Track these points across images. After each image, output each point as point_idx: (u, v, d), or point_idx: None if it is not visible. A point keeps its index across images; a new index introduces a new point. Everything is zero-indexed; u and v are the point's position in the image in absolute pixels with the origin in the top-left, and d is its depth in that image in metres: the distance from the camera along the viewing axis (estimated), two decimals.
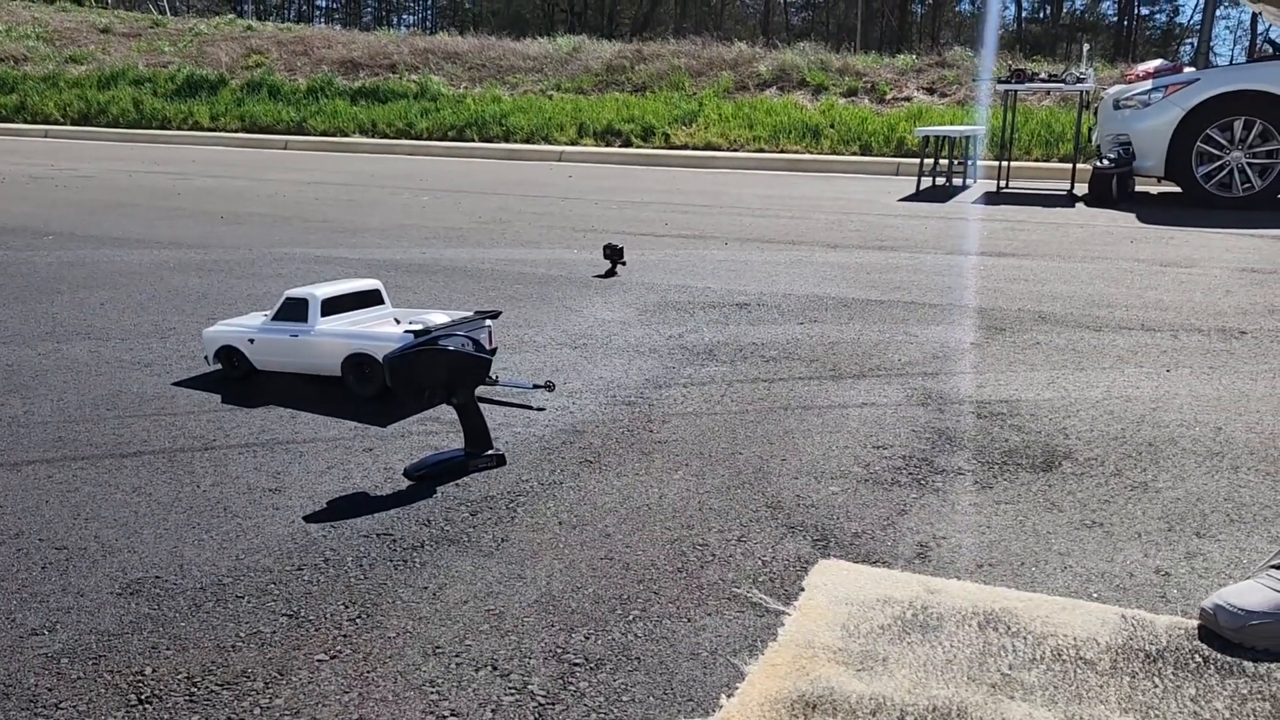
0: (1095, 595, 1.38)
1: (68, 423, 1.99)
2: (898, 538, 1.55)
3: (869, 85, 13.78)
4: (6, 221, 4.98)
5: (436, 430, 2.00)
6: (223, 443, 1.90)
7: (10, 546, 1.44)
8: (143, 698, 1.11)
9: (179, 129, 15.03)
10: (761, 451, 1.92)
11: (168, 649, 1.20)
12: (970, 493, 1.73)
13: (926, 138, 8.47)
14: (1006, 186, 8.55)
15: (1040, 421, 2.13)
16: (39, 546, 1.44)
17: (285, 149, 13.03)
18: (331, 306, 2.30)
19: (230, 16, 23.10)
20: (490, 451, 1.81)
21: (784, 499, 1.71)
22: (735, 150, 11.38)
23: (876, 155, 11.40)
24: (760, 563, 1.46)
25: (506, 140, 13.36)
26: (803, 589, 1.37)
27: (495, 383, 2.22)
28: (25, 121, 15.71)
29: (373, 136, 14.12)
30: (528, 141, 12.74)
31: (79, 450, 1.84)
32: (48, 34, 19.63)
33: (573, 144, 12.48)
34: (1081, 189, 7.82)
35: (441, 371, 1.77)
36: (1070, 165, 8.52)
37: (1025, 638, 1.27)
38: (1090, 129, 8.46)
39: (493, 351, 2.02)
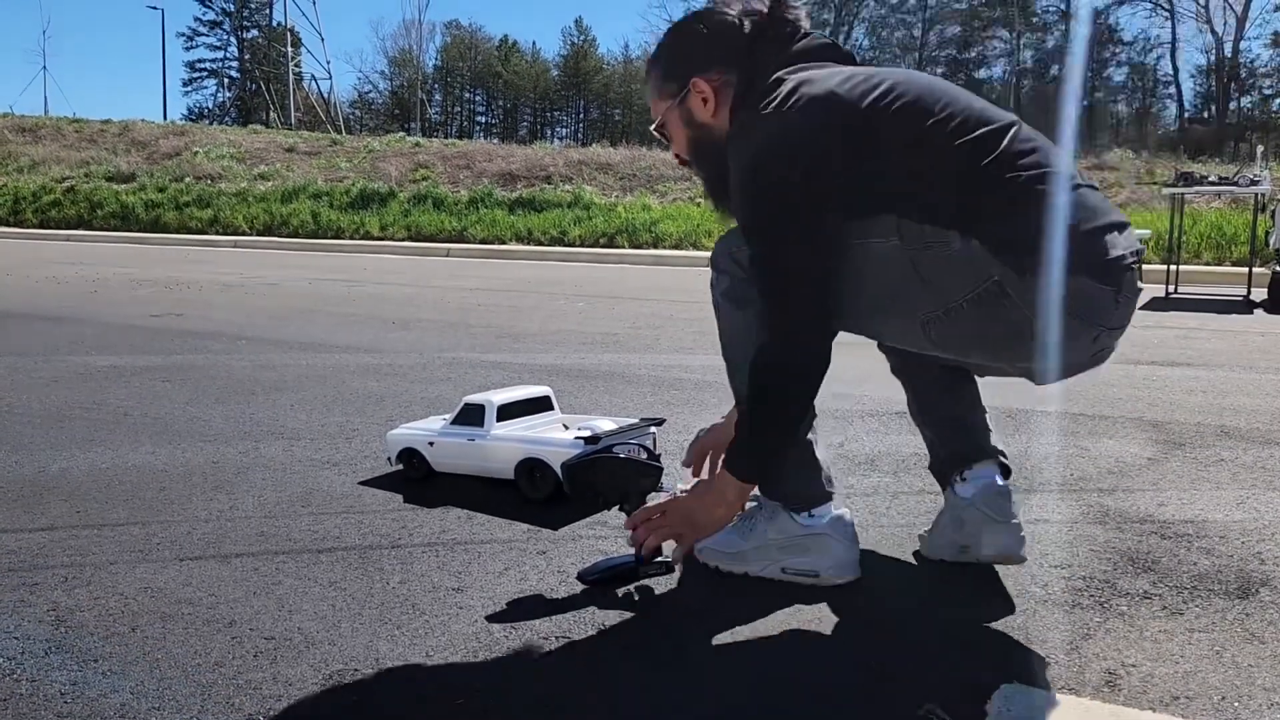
0: None
1: (268, 518, 2.14)
2: (1083, 664, 1.50)
3: None
4: (206, 327, 5.44)
5: (605, 535, 2.06)
6: (407, 541, 2.01)
7: (225, 635, 1.56)
8: None
9: (351, 238, 16.11)
10: (933, 568, 1.89)
11: None
12: (1159, 619, 1.66)
13: None
14: (1175, 292, 8.21)
15: (1231, 544, 2.02)
16: (250, 636, 1.56)
17: (447, 256, 13.75)
18: (506, 412, 2.42)
19: (400, 134, 24.81)
20: (659, 559, 1.85)
21: (959, 618, 1.67)
22: None
23: None
24: (938, 684, 1.43)
25: (656, 246, 13.73)
26: (986, 713, 1.34)
27: (660, 490, 2.27)
28: (218, 233, 17.15)
29: (528, 244, 14.76)
30: (676, 248, 13.07)
31: (280, 545, 1.97)
32: (240, 154, 21.55)
33: None
34: (1258, 294, 7.44)
35: (616, 478, 1.85)
36: (1245, 270, 8.12)
37: None
38: (1267, 232, 8.07)
39: (657, 458, 2.07)
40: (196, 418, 3.13)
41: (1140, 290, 1.64)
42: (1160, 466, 2.63)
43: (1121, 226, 1.61)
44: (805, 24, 1.79)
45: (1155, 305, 7.23)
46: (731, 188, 1.69)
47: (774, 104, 1.64)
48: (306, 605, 1.68)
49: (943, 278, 1.60)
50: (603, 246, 14.12)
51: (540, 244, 14.64)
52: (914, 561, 1.94)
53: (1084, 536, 2.06)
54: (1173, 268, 8.29)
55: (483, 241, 15.02)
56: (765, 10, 1.77)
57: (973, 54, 46.52)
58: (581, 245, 14.30)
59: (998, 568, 1.87)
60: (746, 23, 1.76)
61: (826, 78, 1.67)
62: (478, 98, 68.42)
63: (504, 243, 14.88)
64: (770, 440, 1.74)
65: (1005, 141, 1.59)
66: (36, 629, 1.57)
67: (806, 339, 1.63)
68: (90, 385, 3.66)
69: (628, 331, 5.54)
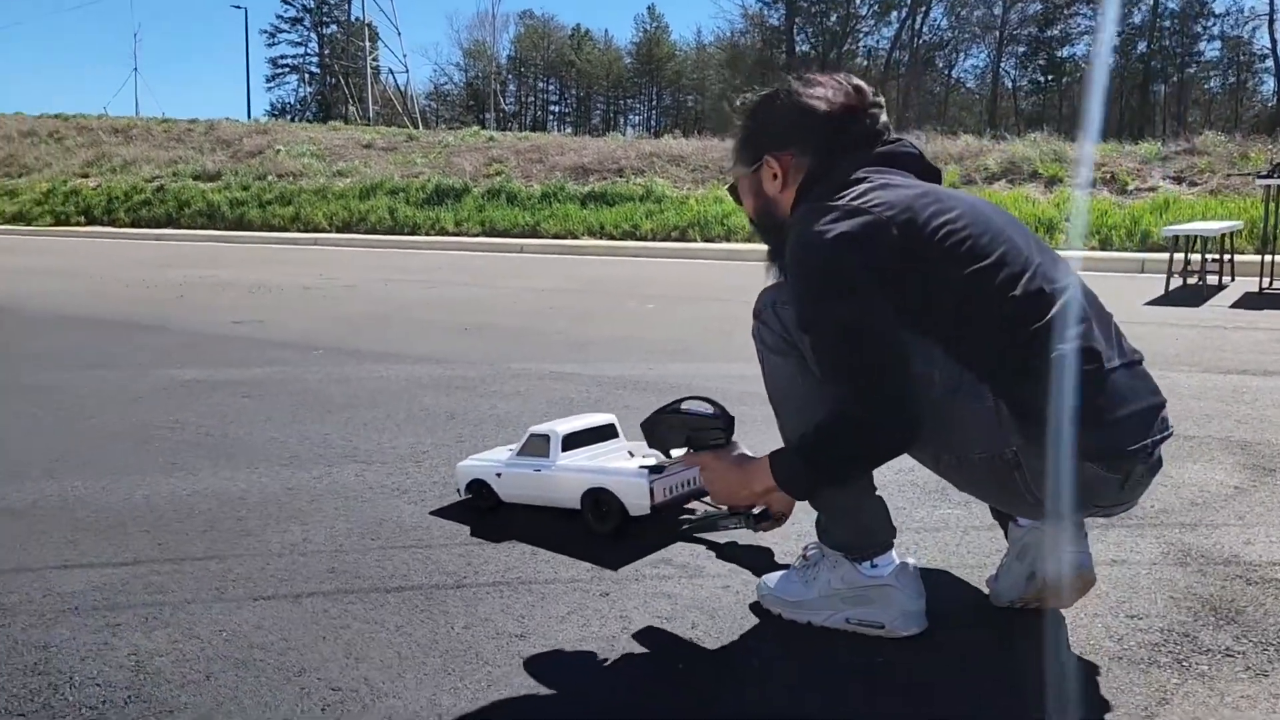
0: None
1: (339, 552, 2.19)
2: None
3: (1108, 175, 13.15)
4: (283, 335, 5.58)
5: (669, 574, 2.06)
6: (473, 580, 2.03)
7: (294, 685, 1.60)
8: None
9: (427, 234, 16.34)
10: (1002, 618, 1.85)
11: None
12: (1241, 681, 1.59)
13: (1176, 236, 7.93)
14: (1270, 286, 7.87)
15: None
16: (317, 686, 1.59)
17: (520, 252, 13.86)
18: (571, 442, 2.43)
19: (475, 128, 25.04)
20: (741, 512, 1.93)
21: (1025, 673, 1.63)
22: None
23: (1118, 250, 10.80)
24: None
25: (728, 240, 13.66)
26: None
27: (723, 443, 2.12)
28: (299, 230, 17.54)
29: (600, 238, 14.79)
30: (748, 241, 12.95)
31: (349, 583, 2.02)
32: (320, 151, 21.98)
33: None
34: None
35: (679, 433, 1.92)
36: None
37: None
38: None
39: (723, 412, 2.00)
40: (273, 438, 3.21)
41: (1159, 468, 1.65)
42: (1248, 497, 2.53)
43: (1153, 410, 1.62)
44: (884, 119, 1.78)
45: (1248, 302, 6.94)
46: (788, 264, 1.68)
47: (848, 197, 1.64)
48: (373, 652, 1.71)
49: (966, 427, 1.61)
50: (674, 240, 14.09)
51: (612, 238, 14.67)
52: (982, 608, 1.89)
53: (1163, 581, 1.99)
54: (1267, 259, 7.95)
55: (555, 236, 15.11)
56: (849, 103, 1.76)
57: (1055, 32, 45.12)
58: (654, 239, 14.29)
59: (1069, 618, 1.82)
60: (830, 112, 1.75)
61: (907, 188, 1.67)
62: (551, 87, 68.81)
63: (576, 237, 14.95)
64: (824, 484, 1.73)
65: (1055, 309, 1.58)
66: (117, 675, 1.63)
67: (871, 418, 1.59)
68: (173, 401, 3.79)
69: (696, 337, 5.52)
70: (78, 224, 20.37)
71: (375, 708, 1.53)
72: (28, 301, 7.40)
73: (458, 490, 2.52)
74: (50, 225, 20.40)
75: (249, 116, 40.56)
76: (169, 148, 24.28)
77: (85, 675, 1.63)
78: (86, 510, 2.49)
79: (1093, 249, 10.82)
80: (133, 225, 19.83)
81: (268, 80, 67.17)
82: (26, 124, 27.90)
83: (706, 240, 13.82)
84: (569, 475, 2.35)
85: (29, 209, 21.47)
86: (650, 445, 2.03)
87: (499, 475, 2.45)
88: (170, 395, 3.91)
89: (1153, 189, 12.54)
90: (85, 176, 22.92)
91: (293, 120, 45.42)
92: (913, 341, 1.58)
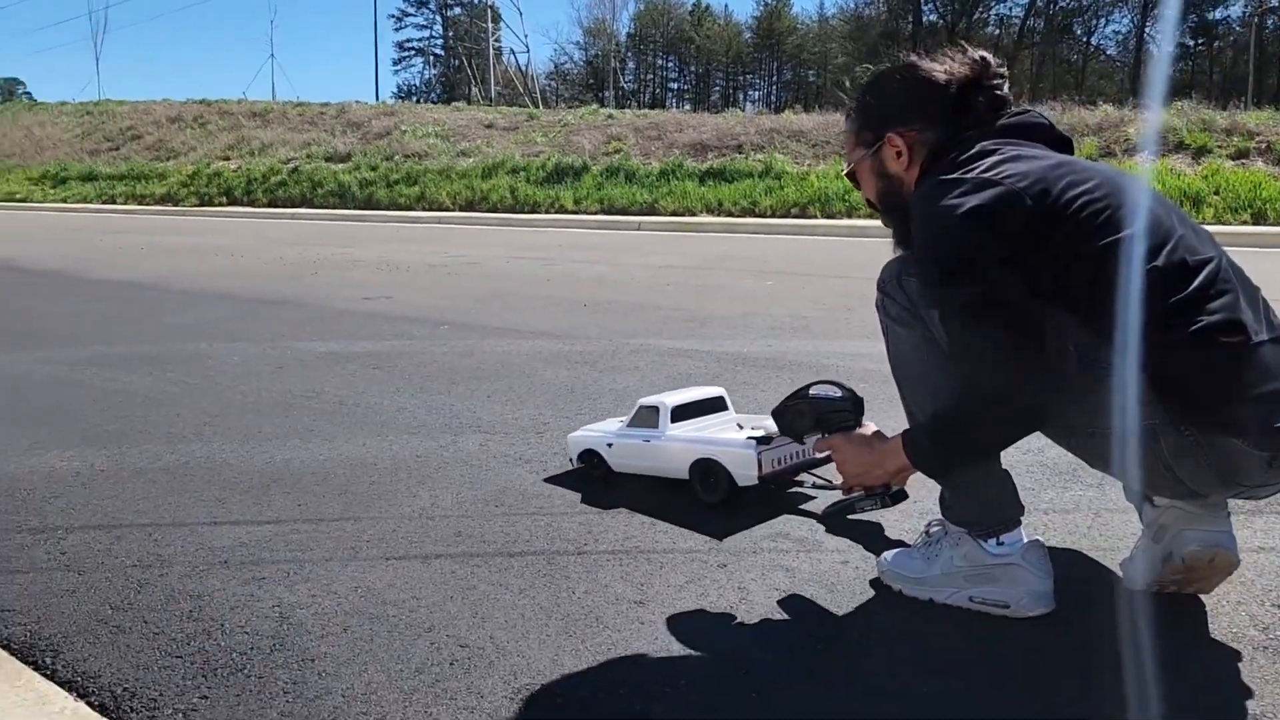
0: None
1: (464, 517, 2.27)
2: None
3: (1263, 145, 12.34)
4: (410, 311, 5.76)
5: (787, 548, 2.06)
6: (593, 548, 2.07)
7: (425, 640, 1.67)
8: None
9: (546, 212, 16.55)
10: (1135, 601, 1.78)
11: None
12: None
13: None
14: None
15: None
16: (447, 642, 1.66)
17: (638, 230, 13.91)
18: (680, 414, 2.45)
19: (594, 106, 25.18)
20: (877, 492, 1.86)
21: (1163, 661, 1.57)
22: None
23: (1273, 224, 10.16)
24: None
25: (849, 216, 13.40)
26: None
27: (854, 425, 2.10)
28: (424, 209, 18.00)
29: (718, 215, 14.71)
30: (870, 217, 12.69)
31: (475, 546, 2.09)
32: (444, 132, 22.47)
33: None
34: None
35: (809, 418, 1.92)
36: None
37: None
38: None
39: (851, 394, 1.97)
40: (403, 408, 3.33)
41: None
42: None
43: None
44: (1005, 90, 1.73)
45: None
46: (913, 240, 1.66)
47: (979, 170, 1.59)
48: (498, 613, 1.77)
49: (1101, 402, 1.54)
50: (794, 216, 13.92)
51: (731, 215, 14.58)
52: (1114, 592, 1.83)
53: None
54: None
55: (673, 214, 15.10)
56: (972, 73, 1.71)
57: None
58: (773, 216, 14.15)
59: (1209, 605, 1.75)
60: (952, 84, 1.71)
61: (1039, 159, 1.62)
62: (670, 64, 68.61)
63: (694, 214, 14.91)
64: (957, 463, 1.70)
65: (1198, 281, 1.51)
66: (263, 624, 1.74)
67: (1003, 395, 1.55)
68: (311, 373, 3.97)
69: (817, 314, 5.46)
70: (220, 204, 21.42)
71: (500, 665, 1.58)
72: (177, 278, 7.84)
73: (570, 460, 2.57)
74: (195, 206, 21.51)
75: (376, 98, 41.87)
76: (303, 130, 25.23)
77: (234, 623, 1.74)
78: (233, 472, 2.64)
79: (1244, 223, 10.21)
80: (270, 205, 20.73)
81: (394, 63, 69.47)
82: (174, 110, 29.43)
83: (827, 216, 13.59)
84: (678, 446, 2.38)
85: (176, 190, 22.67)
86: (781, 432, 2.03)
87: (610, 445, 2.49)
88: (307, 366, 4.10)
89: None
90: (226, 159, 24.05)
91: (418, 102, 46.64)
92: (1046, 315, 1.54)
